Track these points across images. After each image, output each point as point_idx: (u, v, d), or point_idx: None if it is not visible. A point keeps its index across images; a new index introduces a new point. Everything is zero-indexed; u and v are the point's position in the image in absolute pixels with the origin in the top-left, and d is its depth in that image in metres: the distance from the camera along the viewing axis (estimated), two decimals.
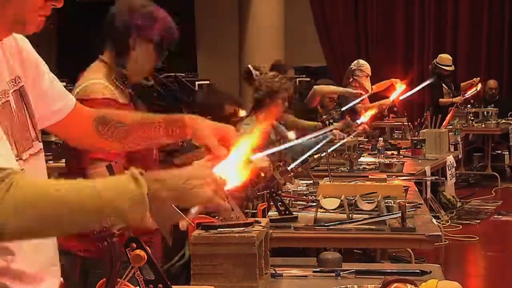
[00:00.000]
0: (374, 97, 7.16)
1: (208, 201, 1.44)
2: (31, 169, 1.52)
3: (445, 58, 9.01)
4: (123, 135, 1.79)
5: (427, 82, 7.99)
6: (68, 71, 3.54)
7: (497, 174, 9.14)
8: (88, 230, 1.37)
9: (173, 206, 1.46)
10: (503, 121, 9.28)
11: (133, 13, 2.39)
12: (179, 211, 1.45)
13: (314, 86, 6.30)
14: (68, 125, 1.74)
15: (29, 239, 1.39)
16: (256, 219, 2.05)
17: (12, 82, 1.52)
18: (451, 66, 8.99)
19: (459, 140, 7.22)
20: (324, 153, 4.01)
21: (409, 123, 6.61)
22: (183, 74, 7.06)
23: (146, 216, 1.34)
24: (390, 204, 3.12)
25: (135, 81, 2.48)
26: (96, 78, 2.38)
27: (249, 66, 4.23)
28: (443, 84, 8.99)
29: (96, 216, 1.31)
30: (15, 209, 1.22)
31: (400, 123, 7.02)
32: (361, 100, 6.59)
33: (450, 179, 6.04)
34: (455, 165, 6.16)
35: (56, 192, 1.27)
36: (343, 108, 6.13)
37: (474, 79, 9.16)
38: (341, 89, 6.56)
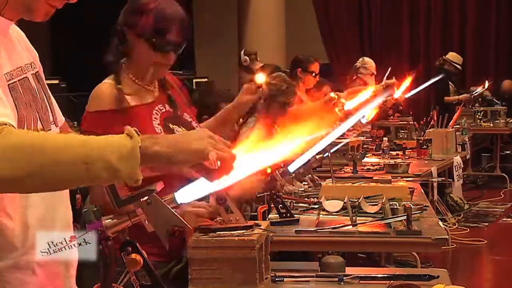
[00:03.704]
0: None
1: (200, 153, 1.41)
2: None
3: (455, 56, 9.05)
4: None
5: (435, 79, 8.01)
6: (61, 68, 3.56)
7: (506, 175, 9.13)
8: (77, 183, 1.36)
9: (171, 209, 1.46)
10: None
11: (127, 10, 2.39)
12: (177, 215, 1.45)
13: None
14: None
15: (18, 189, 1.38)
16: (256, 222, 2.05)
17: (29, 66, 1.59)
18: (460, 65, 9.04)
19: (467, 140, 7.22)
20: (327, 154, 4.01)
21: (415, 122, 6.61)
22: (181, 72, 7.07)
23: (137, 173, 1.34)
24: (395, 207, 3.12)
25: (151, 79, 2.45)
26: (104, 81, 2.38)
27: (242, 52, 4.22)
28: (450, 82, 9.01)
29: (83, 165, 1.30)
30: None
31: (406, 123, 7.01)
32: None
33: (458, 181, 6.04)
34: (462, 166, 6.15)
35: (43, 139, 1.32)
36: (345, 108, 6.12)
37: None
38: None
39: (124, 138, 1.35)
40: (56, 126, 1.64)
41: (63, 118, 1.79)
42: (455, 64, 8.99)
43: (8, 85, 1.48)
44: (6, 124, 1.33)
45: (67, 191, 1.63)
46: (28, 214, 1.52)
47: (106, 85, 2.36)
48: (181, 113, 2.48)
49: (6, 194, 1.47)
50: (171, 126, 2.39)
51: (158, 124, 2.36)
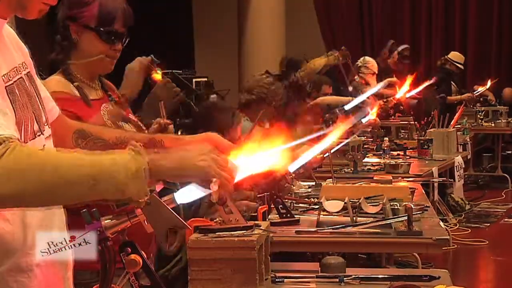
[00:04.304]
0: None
1: (208, 172, 1.45)
2: None
3: (457, 55, 9.06)
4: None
5: (435, 78, 8.05)
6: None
7: (507, 176, 9.13)
8: (81, 201, 1.39)
9: (170, 209, 1.46)
10: None
11: (67, 3, 2.37)
12: (176, 215, 1.45)
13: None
14: (51, 133, 1.76)
15: (26, 206, 1.41)
16: (256, 222, 2.05)
17: (21, 66, 1.58)
18: (462, 64, 9.05)
19: (468, 140, 7.22)
20: (327, 154, 4.01)
21: (416, 122, 6.61)
22: (180, 71, 7.05)
23: (145, 190, 1.36)
24: (396, 207, 3.12)
25: (100, 74, 2.46)
26: (52, 77, 2.38)
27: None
28: (452, 82, 9.02)
29: (91, 184, 1.33)
30: (8, 173, 1.28)
31: (406, 122, 7.01)
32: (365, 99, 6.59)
33: (459, 181, 6.04)
34: (463, 166, 6.15)
35: (54, 158, 1.35)
36: (347, 107, 6.13)
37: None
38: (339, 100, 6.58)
39: (130, 155, 1.36)
40: (49, 127, 1.64)
41: (58, 109, 1.79)
42: (457, 64, 9.00)
43: (6, 87, 1.47)
44: (12, 138, 1.33)
45: None
46: (27, 217, 1.52)
47: (54, 81, 2.35)
48: (126, 112, 2.50)
49: None
50: (119, 122, 2.40)
51: (107, 119, 2.37)
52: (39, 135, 1.55)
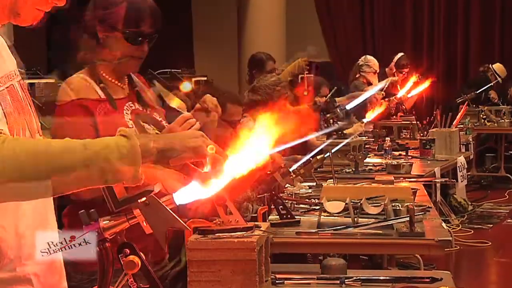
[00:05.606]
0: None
1: (200, 151, 1.47)
2: None
3: (501, 68, 9.33)
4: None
5: (489, 84, 8.25)
6: (57, 67, 3.56)
7: (510, 176, 9.13)
8: (80, 186, 1.38)
9: (169, 210, 1.46)
10: None
11: (94, 4, 2.39)
12: (176, 216, 1.45)
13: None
14: None
15: (26, 197, 1.41)
16: (256, 223, 2.05)
17: (13, 73, 1.59)
18: (502, 78, 9.24)
19: (471, 140, 7.22)
20: (328, 154, 4.01)
21: (418, 122, 6.61)
22: (179, 71, 7.06)
23: (139, 172, 1.37)
24: (398, 208, 3.12)
25: (123, 74, 2.47)
26: (76, 75, 2.40)
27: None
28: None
29: (85, 167, 1.33)
30: (2, 161, 1.29)
31: (408, 122, 7.02)
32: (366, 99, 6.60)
33: (461, 181, 6.04)
34: (466, 166, 6.15)
35: (45, 146, 1.36)
36: (348, 107, 6.14)
37: None
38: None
39: (121, 139, 1.36)
40: (40, 135, 1.65)
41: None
42: (497, 76, 9.16)
43: None
44: (1, 131, 1.34)
45: (51, 198, 1.64)
46: (20, 224, 1.52)
47: (78, 78, 2.37)
48: (150, 112, 2.50)
49: None
50: (141, 123, 2.41)
51: (130, 119, 2.38)
52: None
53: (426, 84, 7.50)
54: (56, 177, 1.33)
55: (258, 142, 1.58)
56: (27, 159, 1.31)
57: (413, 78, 7.31)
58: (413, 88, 7.38)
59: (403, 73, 8.13)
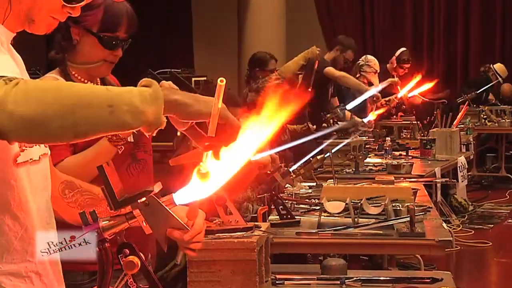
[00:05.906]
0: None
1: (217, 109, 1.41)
2: (41, 170, 1.58)
3: (502, 68, 9.32)
4: (88, 204, 1.78)
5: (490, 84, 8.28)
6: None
7: (511, 176, 9.13)
8: (103, 129, 1.36)
9: (169, 210, 1.46)
10: None
11: None
12: (176, 216, 1.45)
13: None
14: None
15: (50, 135, 1.37)
16: (256, 223, 2.05)
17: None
18: (503, 78, 9.27)
19: (471, 140, 7.22)
20: (328, 154, 4.01)
21: (418, 122, 6.62)
22: (179, 70, 7.06)
23: (161, 115, 1.35)
24: (398, 208, 3.12)
25: (95, 77, 2.45)
26: (48, 74, 2.38)
27: None
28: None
29: (109, 109, 1.31)
30: (26, 95, 1.27)
31: (409, 122, 7.02)
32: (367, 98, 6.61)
33: (462, 181, 6.04)
34: (467, 167, 6.15)
35: (68, 84, 1.35)
36: (348, 107, 6.14)
37: None
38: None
39: (143, 87, 1.36)
40: (46, 146, 1.63)
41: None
42: (498, 76, 9.19)
43: None
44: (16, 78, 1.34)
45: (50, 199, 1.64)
46: (27, 220, 1.53)
47: (50, 78, 2.34)
48: None
49: (12, 197, 1.49)
50: None
51: None
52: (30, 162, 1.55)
53: (430, 85, 7.51)
54: (82, 114, 1.31)
55: (255, 140, 1.57)
56: (51, 95, 1.29)
57: (417, 78, 7.31)
58: (415, 88, 7.38)
59: (404, 68, 8.13)
